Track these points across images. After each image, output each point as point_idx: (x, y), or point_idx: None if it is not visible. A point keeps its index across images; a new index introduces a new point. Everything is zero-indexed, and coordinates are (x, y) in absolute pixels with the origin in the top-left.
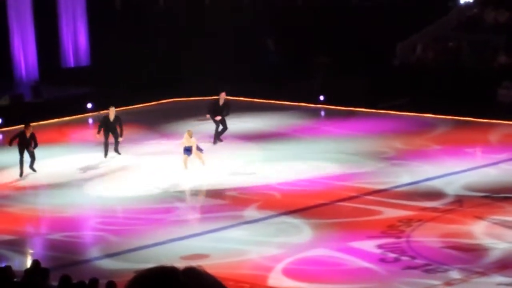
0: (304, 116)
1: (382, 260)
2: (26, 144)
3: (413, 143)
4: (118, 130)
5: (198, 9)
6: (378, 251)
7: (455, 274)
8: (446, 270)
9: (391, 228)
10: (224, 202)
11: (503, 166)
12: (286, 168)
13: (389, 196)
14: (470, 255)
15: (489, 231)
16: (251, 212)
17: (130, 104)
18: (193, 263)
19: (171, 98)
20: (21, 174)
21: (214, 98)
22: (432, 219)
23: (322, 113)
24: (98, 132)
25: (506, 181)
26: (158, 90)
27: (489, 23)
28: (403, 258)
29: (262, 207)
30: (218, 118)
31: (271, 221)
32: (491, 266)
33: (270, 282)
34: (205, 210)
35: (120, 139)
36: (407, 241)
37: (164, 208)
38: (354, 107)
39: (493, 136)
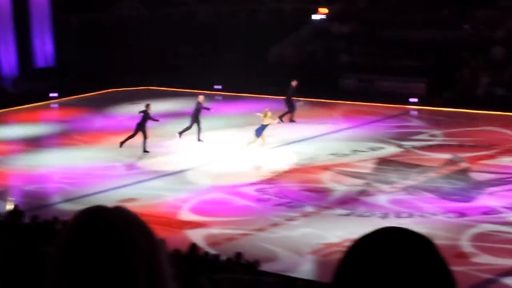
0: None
1: (259, 200)
2: None
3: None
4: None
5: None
6: (256, 193)
7: (309, 209)
8: (303, 206)
9: (266, 177)
10: (149, 161)
11: (343, 133)
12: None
13: (265, 155)
14: (320, 195)
15: (333, 178)
16: (167, 168)
17: (84, 92)
18: (126, 205)
19: (114, 88)
20: None
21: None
22: (295, 170)
23: (218, 98)
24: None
25: (346, 142)
26: (105, 82)
27: (335, 33)
28: (274, 198)
29: (175, 165)
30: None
31: (182, 174)
32: (334, 202)
33: (181, 217)
34: (136, 167)
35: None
36: (276, 186)
37: (108, 166)
38: (243, 93)
39: (337, 112)
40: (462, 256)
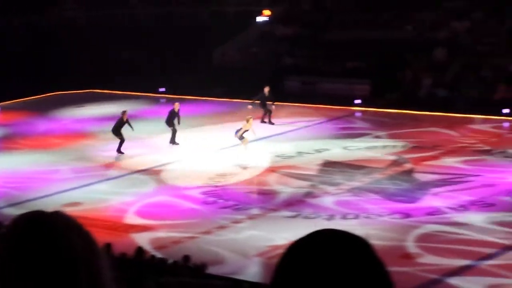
0: (150, 103)
1: (205, 203)
2: None
3: (226, 119)
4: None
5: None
6: (202, 196)
7: (255, 211)
8: (249, 208)
9: (212, 180)
10: (95, 165)
11: (288, 134)
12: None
13: (210, 157)
14: (266, 197)
15: (279, 180)
16: (112, 172)
17: (26, 96)
18: (71, 209)
19: (56, 91)
20: None
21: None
22: (239, 172)
23: (163, 100)
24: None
25: (291, 144)
26: (47, 86)
27: (278, 35)
28: (219, 201)
29: (119, 168)
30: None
31: (126, 177)
32: (280, 204)
33: (127, 220)
34: (79, 171)
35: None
36: (222, 189)
37: (53, 169)
38: (187, 95)
39: (282, 114)
40: (407, 256)
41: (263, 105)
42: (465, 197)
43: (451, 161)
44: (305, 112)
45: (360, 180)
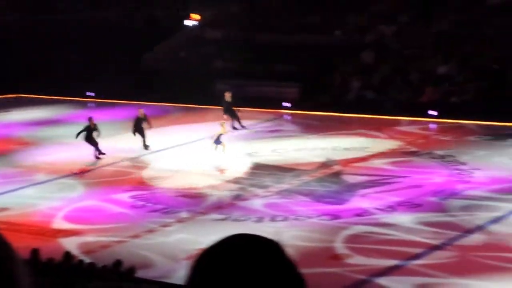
0: (78, 107)
1: (133, 207)
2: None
3: (156, 123)
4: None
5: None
6: (131, 200)
7: (184, 214)
8: (178, 212)
9: (140, 184)
10: (22, 170)
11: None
12: (64, 145)
13: (138, 161)
14: (195, 200)
15: (208, 183)
16: (40, 176)
17: None
18: None
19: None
20: None
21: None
22: (168, 177)
23: (91, 104)
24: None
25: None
26: None
27: (208, 39)
28: (148, 204)
29: (48, 172)
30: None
31: (54, 182)
32: (210, 207)
33: (54, 225)
34: (6, 176)
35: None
36: (151, 192)
37: None
38: (117, 100)
39: (212, 117)
40: (336, 257)
41: (228, 111)
42: (392, 198)
43: (379, 163)
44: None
45: (289, 182)
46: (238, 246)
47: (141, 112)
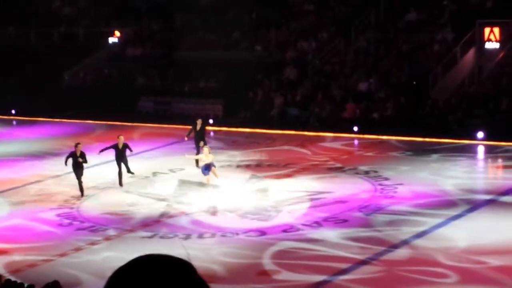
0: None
1: (60, 225)
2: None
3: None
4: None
5: None
6: (57, 218)
7: (112, 232)
8: (105, 229)
9: (66, 202)
10: None
11: (143, 155)
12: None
13: (64, 180)
14: (122, 218)
15: (134, 200)
16: None
17: None
18: None
19: None
20: None
21: None
22: (94, 194)
23: (14, 122)
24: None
25: (146, 165)
26: None
27: (130, 56)
28: (75, 222)
29: None
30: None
31: None
32: (137, 225)
33: None
34: None
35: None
36: (78, 211)
37: None
38: (38, 117)
39: (136, 135)
40: (264, 274)
41: (201, 138)
42: (318, 214)
43: (304, 179)
44: (159, 132)
45: (216, 198)
46: (148, 266)
47: (121, 140)
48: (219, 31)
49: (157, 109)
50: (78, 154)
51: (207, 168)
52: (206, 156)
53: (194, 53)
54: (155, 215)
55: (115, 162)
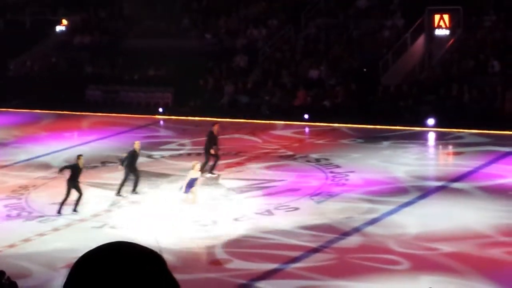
0: None
1: (8, 216)
2: None
3: (27, 131)
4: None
5: None
6: (5, 209)
7: (61, 222)
8: (54, 220)
9: (14, 192)
10: None
11: (92, 144)
12: None
13: (12, 170)
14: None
15: (84, 190)
16: None
17: None
18: None
19: None
20: None
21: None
22: (42, 184)
23: None
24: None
25: (94, 154)
26: None
27: (77, 44)
28: (23, 213)
29: None
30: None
31: None
32: (86, 214)
33: None
34: None
35: None
36: (26, 201)
37: None
38: None
39: (84, 124)
40: (216, 263)
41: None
42: (270, 202)
43: (255, 167)
44: (107, 121)
45: (165, 188)
46: (113, 254)
47: (137, 145)
48: (168, 19)
49: (106, 98)
50: (80, 166)
51: (191, 185)
52: (194, 172)
53: (143, 41)
54: (104, 205)
55: (59, 153)
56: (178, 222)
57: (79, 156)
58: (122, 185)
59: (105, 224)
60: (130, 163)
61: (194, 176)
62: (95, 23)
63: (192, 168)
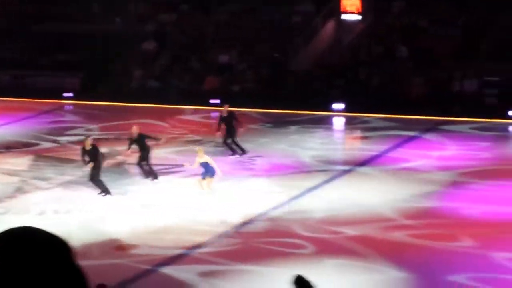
0: None
1: None
2: None
3: None
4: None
5: None
6: None
7: None
8: None
9: None
10: None
11: None
12: None
13: None
14: None
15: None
16: None
17: None
18: None
19: None
20: None
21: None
22: None
23: None
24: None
25: (2, 140)
26: None
27: None
28: None
29: None
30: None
31: None
32: None
33: None
34: None
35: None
36: None
37: None
38: None
39: None
40: (120, 248)
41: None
42: (177, 187)
43: (163, 152)
44: (15, 106)
45: (72, 173)
46: (16, 240)
47: (134, 129)
48: (78, 3)
49: (14, 83)
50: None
51: (207, 170)
52: (200, 158)
53: (52, 26)
54: (8, 191)
55: None
56: (83, 208)
57: (86, 138)
58: (151, 170)
59: (8, 210)
60: (141, 147)
61: (202, 161)
62: (5, 6)
63: (197, 153)
